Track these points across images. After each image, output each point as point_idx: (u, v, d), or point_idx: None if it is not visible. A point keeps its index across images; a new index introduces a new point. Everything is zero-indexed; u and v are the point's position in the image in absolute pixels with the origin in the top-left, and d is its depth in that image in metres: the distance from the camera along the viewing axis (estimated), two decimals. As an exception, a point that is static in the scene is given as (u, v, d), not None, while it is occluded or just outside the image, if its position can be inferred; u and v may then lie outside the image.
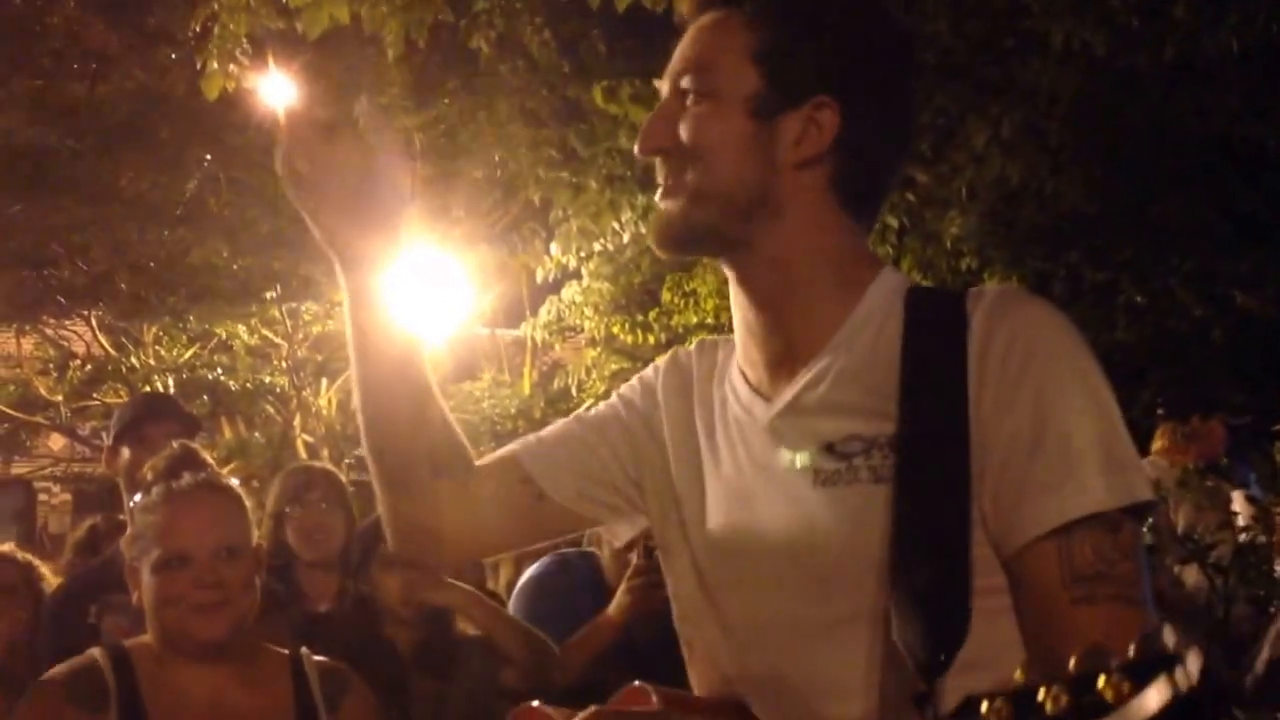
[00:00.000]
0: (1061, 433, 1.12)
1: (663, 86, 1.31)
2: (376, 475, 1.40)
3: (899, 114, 1.31)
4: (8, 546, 3.63)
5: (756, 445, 1.28)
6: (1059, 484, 1.11)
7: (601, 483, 1.39)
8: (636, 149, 1.31)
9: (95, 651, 2.05)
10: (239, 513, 2.11)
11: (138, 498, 2.10)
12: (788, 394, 1.26)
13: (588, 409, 1.47)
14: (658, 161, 1.30)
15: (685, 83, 1.27)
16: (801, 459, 1.22)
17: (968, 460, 1.13)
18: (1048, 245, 6.67)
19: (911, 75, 1.36)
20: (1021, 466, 1.12)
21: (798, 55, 1.24)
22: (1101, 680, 0.64)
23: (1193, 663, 0.64)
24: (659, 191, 1.30)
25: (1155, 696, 0.63)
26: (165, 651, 2.04)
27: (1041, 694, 0.65)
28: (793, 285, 1.27)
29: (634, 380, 1.46)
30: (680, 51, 1.30)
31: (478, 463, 1.42)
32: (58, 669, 2.04)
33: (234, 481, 2.18)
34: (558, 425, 1.45)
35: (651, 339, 7.51)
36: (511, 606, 3.21)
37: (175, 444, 2.20)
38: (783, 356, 1.28)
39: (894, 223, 6.22)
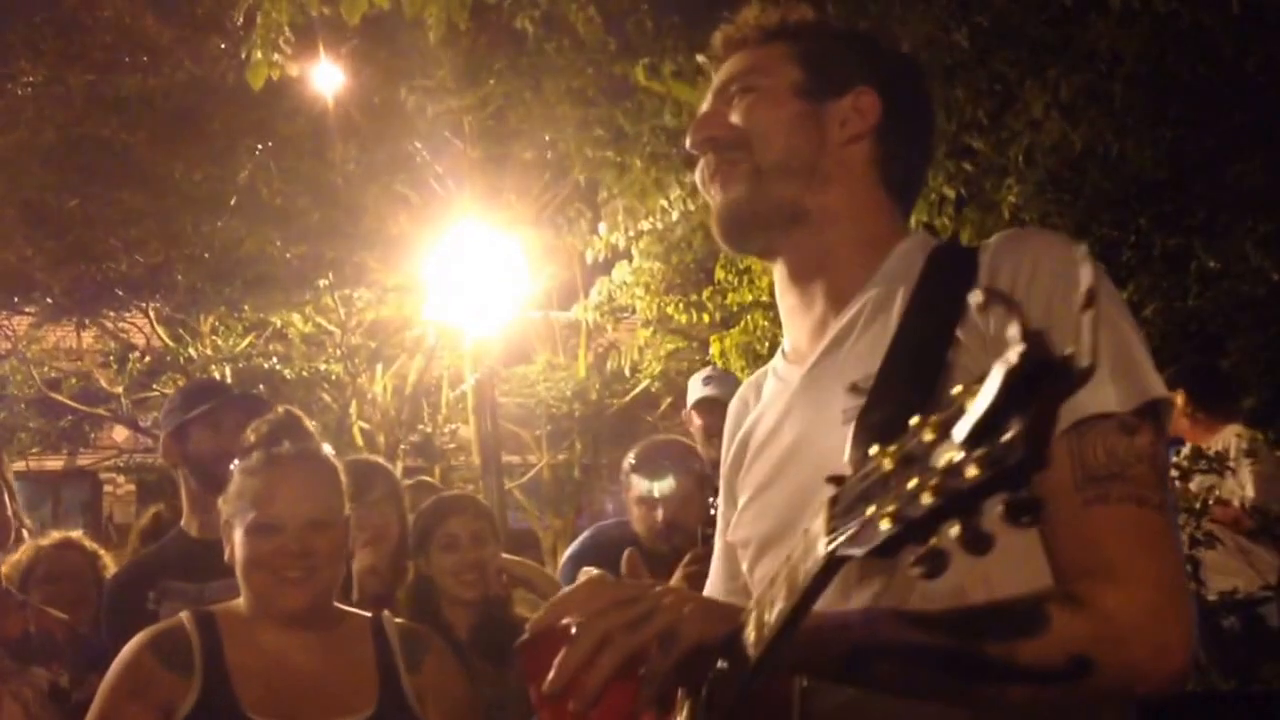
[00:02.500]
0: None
1: (705, 101, 1.45)
2: None
3: (926, 118, 1.50)
4: (76, 533, 3.69)
5: (793, 407, 1.37)
6: None
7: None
8: (688, 142, 1.42)
9: (183, 615, 2.11)
10: (334, 484, 2.17)
11: (235, 463, 2.16)
12: (819, 348, 1.36)
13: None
14: (705, 157, 1.41)
15: (733, 88, 1.42)
16: (833, 402, 1.27)
17: (931, 388, 1.15)
18: (1114, 211, 6.53)
19: (927, 95, 1.54)
20: None
21: (835, 57, 1.42)
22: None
23: (1014, 348, 0.69)
24: (713, 187, 1.41)
25: (994, 380, 0.70)
26: (252, 613, 2.10)
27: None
28: (833, 249, 1.39)
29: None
30: (723, 72, 1.44)
31: None
32: (146, 630, 2.10)
33: (329, 450, 2.22)
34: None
35: (706, 318, 7.40)
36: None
37: (281, 409, 2.26)
38: (820, 320, 1.39)
39: (951, 193, 6.06)
